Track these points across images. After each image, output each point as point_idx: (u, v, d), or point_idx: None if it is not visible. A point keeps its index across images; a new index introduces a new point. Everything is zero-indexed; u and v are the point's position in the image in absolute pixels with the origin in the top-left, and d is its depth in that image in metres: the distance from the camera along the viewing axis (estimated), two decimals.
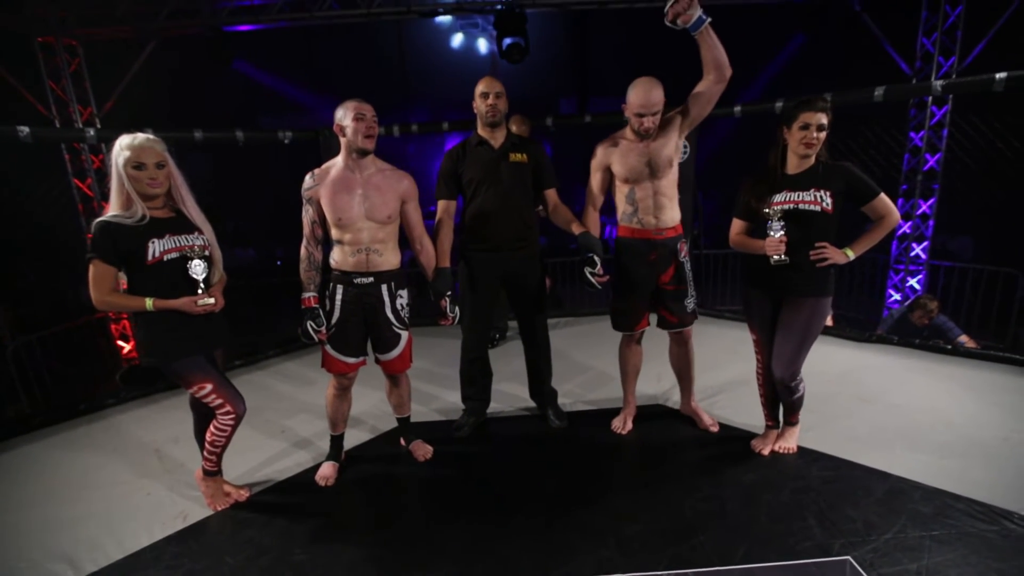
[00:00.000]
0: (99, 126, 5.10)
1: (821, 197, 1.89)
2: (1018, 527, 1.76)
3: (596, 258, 2.23)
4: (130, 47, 5.07)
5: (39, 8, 4.64)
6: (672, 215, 2.27)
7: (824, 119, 1.87)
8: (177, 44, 5.21)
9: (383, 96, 10.23)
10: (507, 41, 4.82)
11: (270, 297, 6.07)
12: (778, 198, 1.95)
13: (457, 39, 8.94)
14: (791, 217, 1.93)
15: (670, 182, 2.24)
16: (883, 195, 1.90)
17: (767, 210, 1.94)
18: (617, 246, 2.38)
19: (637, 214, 2.26)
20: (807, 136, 1.87)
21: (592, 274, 2.23)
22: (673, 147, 2.19)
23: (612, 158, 2.26)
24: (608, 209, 2.44)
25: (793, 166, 1.97)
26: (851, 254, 1.91)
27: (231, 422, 1.94)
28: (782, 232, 1.92)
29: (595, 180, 2.34)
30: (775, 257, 1.93)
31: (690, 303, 2.38)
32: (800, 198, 1.92)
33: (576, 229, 2.33)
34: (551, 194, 2.48)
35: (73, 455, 2.54)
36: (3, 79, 4.69)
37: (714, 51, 1.99)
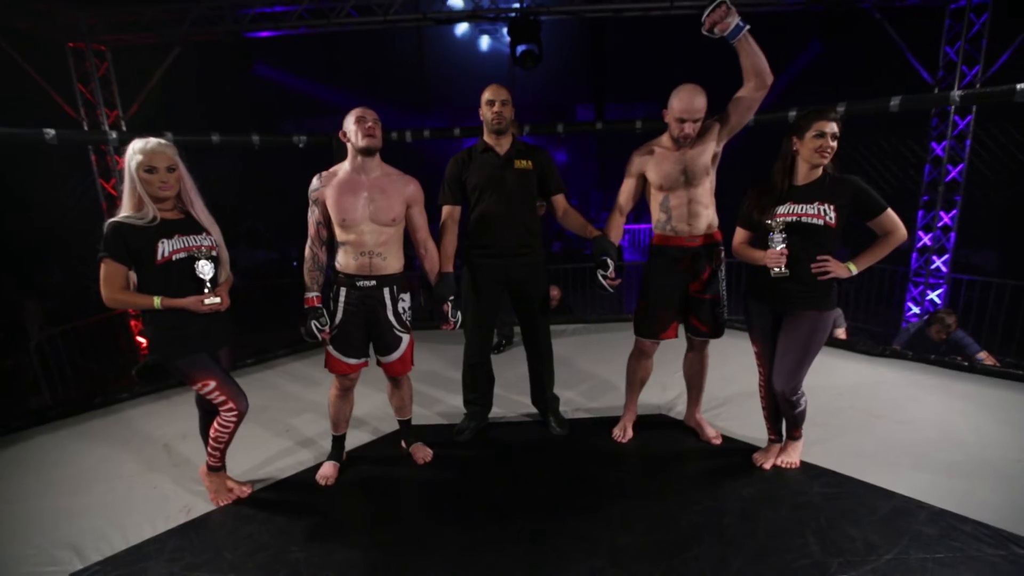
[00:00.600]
0: (124, 128, 5.27)
1: (825, 211, 1.86)
2: None
3: (609, 261, 2.23)
4: (156, 52, 5.24)
5: (71, 15, 4.82)
6: (706, 222, 2.23)
7: (837, 128, 1.84)
8: (201, 49, 5.36)
9: (402, 95, 10.40)
10: (521, 48, 4.85)
11: (283, 296, 6.18)
12: (782, 210, 1.93)
13: (476, 40, 9.05)
14: (794, 229, 1.90)
15: (706, 190, 2.21)
16: (890, 210, 1.86)
17: (769, 221, 1.92)
18: (650, 252, 2.37)
19: (671, 222, 2.24)
20: (823, 144, 1.84)
21: (604, 277, 2.23)
22: (710, 155, 2.16)
23: (647, 166, 2.24)
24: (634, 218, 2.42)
25: (802, 176, 1.94)
26: (854, 269, 1.88)
27: (234, 419, 1.99)
28: (783, 244, 1.89)
29: (627, 186, 2.32)
30: (775, 269, 1.91)
31: (723, 313, 2.34)
32: (804, 211, 1.89)
33: (591, 233, 2.34)
34: (559, 199, 2.49)
35: (86, 447, 2.62)
36: (35, 83, 4.88)
37: (754, 58, 1.95)
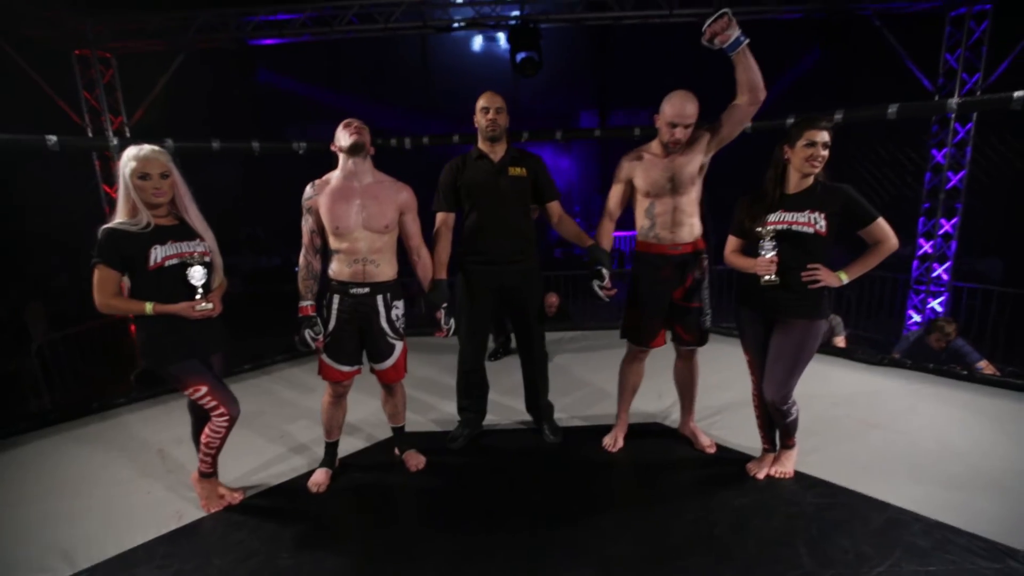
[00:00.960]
0: (129, 135, 5.32)
1: (815, 219, 1.86)
2: (1022, 566, 1.68)
3: (604, 271, 2.23)
4: (161, 59, 5.29)
5: (77, 23, 4.88)
6: (690, 231, 2.23)
7: (828, 137, 1.84)
8: (205, 56, 5.41)
9: (406, 99, 10.43)
10: (521, 55, 4.88)
11: (285, 302, 6.19)
12: (772, 218, 1.93)
13: (482, 44, 9.11)
14: (784, 238, 1.90)
15: (691, 199, 2.21)
16: (881, 219, 1.86)
17: (760, 229, 1.92)
18: (634, 260, 2.37)
19: (654, 229, 2.25)
20: (814, 153, 1.84)
21: (600, 287, 2.24)
22: (697, 164, 2.17)
23: (635, 172, 2.25)
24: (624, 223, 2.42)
25: (794, 185, 1.95)
26: (845, 278, 1.87)
27: (225, 424, 1.99)
28: (773, 252, 1.89)
29: (615, 192, 2.33)
30: (765, 277, 1.91)
31: (705, 321, 2.34)
32: (794, 219, 1.89)
33: (586, 242, 2.34)
34: (554, 206, 2.49)
35: (82, 451, 2.63)
36: (41, 89, 4.93)
37: (749, 73, 1.96)
